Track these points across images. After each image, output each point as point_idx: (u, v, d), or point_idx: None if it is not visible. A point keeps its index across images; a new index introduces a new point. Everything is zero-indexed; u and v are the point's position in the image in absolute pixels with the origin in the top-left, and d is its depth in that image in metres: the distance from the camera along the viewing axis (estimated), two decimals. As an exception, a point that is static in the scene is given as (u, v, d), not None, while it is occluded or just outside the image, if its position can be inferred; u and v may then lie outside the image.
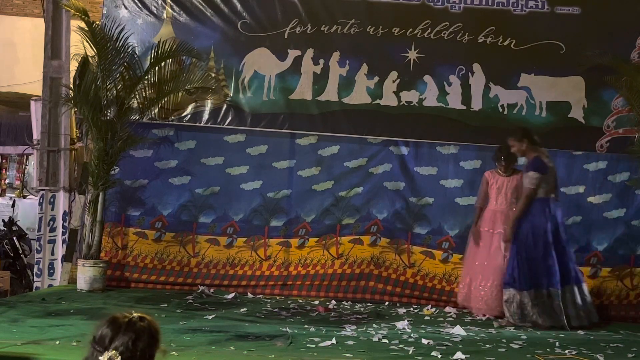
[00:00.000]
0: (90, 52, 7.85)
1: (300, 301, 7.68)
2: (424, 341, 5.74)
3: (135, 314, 2.25)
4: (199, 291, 7.82)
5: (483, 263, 7.23)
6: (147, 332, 2.21)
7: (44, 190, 8.70)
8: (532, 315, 6.76)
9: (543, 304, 6.76)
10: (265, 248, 8.16)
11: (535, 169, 6.91)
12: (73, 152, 8.74)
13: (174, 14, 8.26)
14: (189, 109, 8.22)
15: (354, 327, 6.28)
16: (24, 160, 12.92)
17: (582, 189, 8.00)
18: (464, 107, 8.05)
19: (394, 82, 8.09)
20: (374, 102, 8.10)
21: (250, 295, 7.87)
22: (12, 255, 9.91)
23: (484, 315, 7.11)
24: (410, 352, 5.38)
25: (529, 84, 8.02)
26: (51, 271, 8.63)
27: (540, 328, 6.66)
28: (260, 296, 7.88)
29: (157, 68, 7.98)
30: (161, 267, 8.11)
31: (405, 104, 8.09)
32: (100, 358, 2.16)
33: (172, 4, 8.26)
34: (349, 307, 7.51)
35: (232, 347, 5.23)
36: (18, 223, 10.39)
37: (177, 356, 4.78)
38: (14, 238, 10.01)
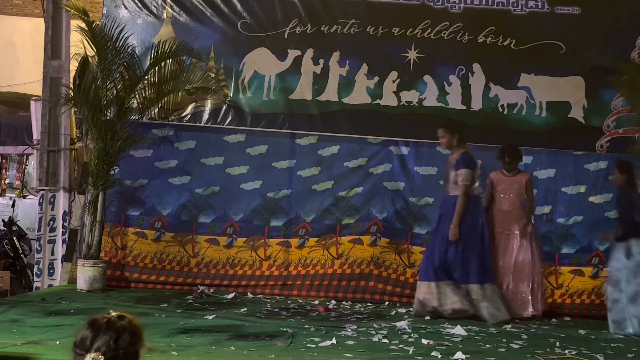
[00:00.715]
0: (90, 52, 7.85)
1: (300, 301, 7.68)
2: (424, 341, 5.74)
3: (113, 313, 2.24)
4: (199, 291, 7.82)
5: (508, 263, 7.25)
6: (127, 330, 2.20)
7: (44, 190, 8.70)
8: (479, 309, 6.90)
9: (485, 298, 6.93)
10: (265, 248, 8.15)
11: (467, 165, 7.01)
12: (73, 152, 8.74)
13: (174, 14, 8.26)
14: (189, 109, 8.22)
15: (354, 327, 6.28)
16: (24, 160, 12.91)
17: (583, 189, 8.00)
18: (464, 107, 8.05)
19: (394, 82, 8.09)
20: (374, 102, 8.10)
21: (250, 295, 7.87)
22: (12, 255, 9.90)
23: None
24: (410, 352, 5.37)
25: (529, 84, 8.02)
26: (51, 271, 8.63)
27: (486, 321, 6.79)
28: (260, 296, 7.88)
29: (157, 68, 7.98)
30: (161, 267, 8.10)
31: (405, 104, 8.09)
32: None
33: (172, 4, 8.26)
34: (349, 307, 7.51)
35: (232, 347, 5.22)
36: (18, 223, 10.39)
37: (177, 356, 4.77)
38: (14, 238, 10.00)
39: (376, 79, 8.11)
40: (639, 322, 6.50)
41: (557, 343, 5.99)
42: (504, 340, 6.00)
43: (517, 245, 7.23)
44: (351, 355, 5.15)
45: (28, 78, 11.07)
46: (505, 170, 7.40)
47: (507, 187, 7.34)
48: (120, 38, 7.85)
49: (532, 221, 7.39)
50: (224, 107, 8.19)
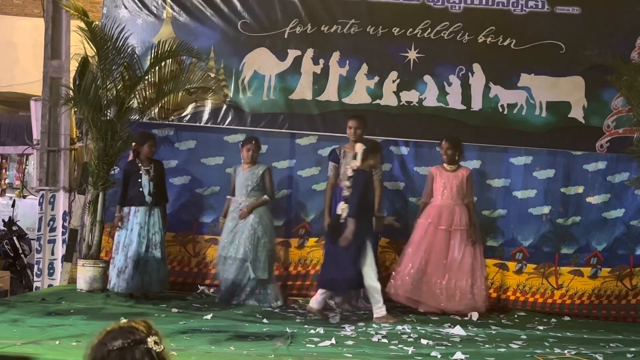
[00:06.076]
0: (90, 52, 7.85)
1: (300, 301, 7.68)
2: (424, 341, 5.75)
3: (136, 321, 2.20)
4: (199, 291, 7.82)
5: (428, 258, 7.27)
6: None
7: (44, 190, 8.70)
8: None
9: None
10: (265, 248, 8.13)
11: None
12: (73, 152, 8.74)
13: (174, 14, 8.26)
14: (189, 109, 8.21)
15: (354, 327, 6.28)
16: (24, 160, 12.92)
17: (582, 189, 7.99)
18: (464, 107, 8.04)
19: (394, 82, 8.08)
20: (374, 102, 8.10)
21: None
22: (12, 255, 9.92)
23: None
24: (410, 352, 5.38)
25: (529, 84, 8.01)
26: (51, 271, 8.63)
27: None
28: (260, 296, 7.87)
29: (157, 68, 7.98)
30: (161, 267, 8.09)
31: (405, 104, 8.08)
32: (145, 346, 2.09)
33: (172, 4, 8.25)
34: (349, 307, 7.49)
35: (232, 347, 5.23)
36: (18, 223, 10.40)
37: (177, 356, 4.78)
38: (14, 238, 10.02)
39: (376, 79, 8.10)
40: None
41: (557, 343, 6.00)
42: (504, 340, 6.00)
43: (458, 242, 7.25)
44: (351, 355, 5.16)
45: (28, 78, 11.07)
46: (446, 164, 7.42)
47: (447, 181, 7.36)
48: (120, 38, 7.85)
49: (475, 218, 7.43)
50: (224, 107, 8.19)
